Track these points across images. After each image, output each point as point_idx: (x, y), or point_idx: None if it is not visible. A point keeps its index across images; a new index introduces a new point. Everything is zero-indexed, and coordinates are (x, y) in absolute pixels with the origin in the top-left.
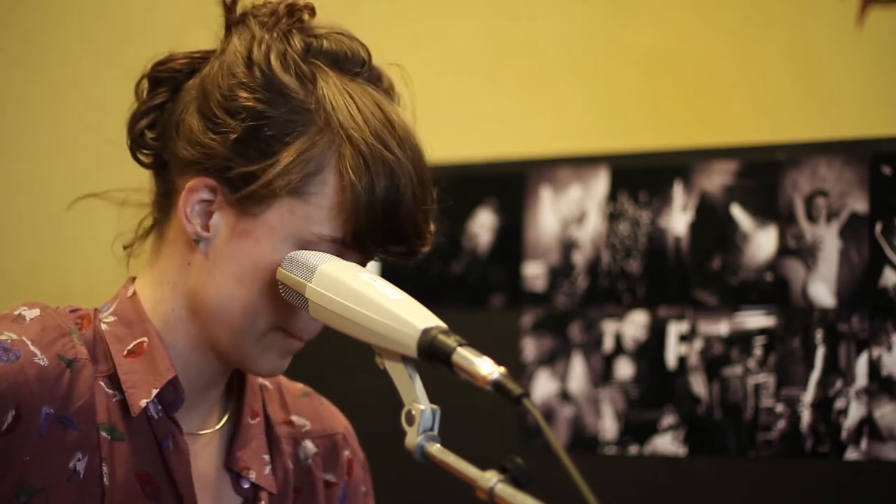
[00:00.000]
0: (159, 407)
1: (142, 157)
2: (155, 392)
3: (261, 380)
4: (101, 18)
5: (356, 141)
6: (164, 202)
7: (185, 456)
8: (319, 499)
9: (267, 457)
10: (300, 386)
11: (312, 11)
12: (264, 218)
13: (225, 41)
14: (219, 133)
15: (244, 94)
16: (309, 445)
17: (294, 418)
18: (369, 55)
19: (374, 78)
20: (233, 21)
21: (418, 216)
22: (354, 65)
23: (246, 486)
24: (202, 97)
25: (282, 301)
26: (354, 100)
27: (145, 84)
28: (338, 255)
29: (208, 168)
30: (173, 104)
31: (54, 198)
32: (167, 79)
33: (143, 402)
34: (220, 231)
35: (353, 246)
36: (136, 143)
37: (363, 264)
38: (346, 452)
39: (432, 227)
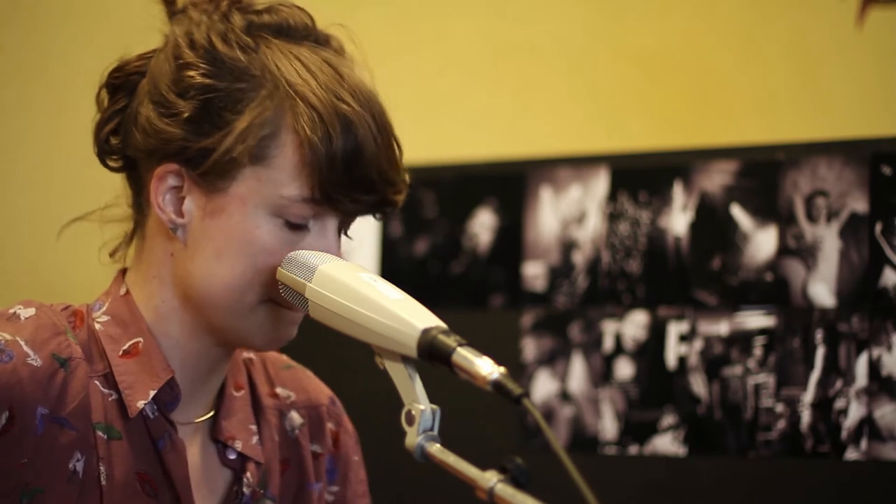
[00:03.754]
0: (155, 406)
1: (111, 163)
2: (153, 394)
3: (246, 353)
4: (101, 18)
5: (306, 96)
6: (139, 200)
7: (182, 455)
8: (308, 470)
9: (254, 427)
10: (284, 358)
11: None
12: (232, 191)
13: (168, 34)
14: (171, 115)
15: (189, 73)
16: (295, 416)
17: (279, 390)
18: (312, 21)
19: (322, 41)
20: (174, 13)
21: (383, 163)
22: (298, 31)
23: (232, 456)
24: (152, 86)
25: (267, 273)
26: (301, 59)
27: (105, 94)
28: (314, 216)
29: (169, 153)
30: (130, 104)
31: (54, 198)
32: (123, 83)
33: (141, 404)
34: (194, 214)
35: (324, 202)
36: (103, 150)
37: (345, 226)
38: (330, 425)
39: (404, 175)
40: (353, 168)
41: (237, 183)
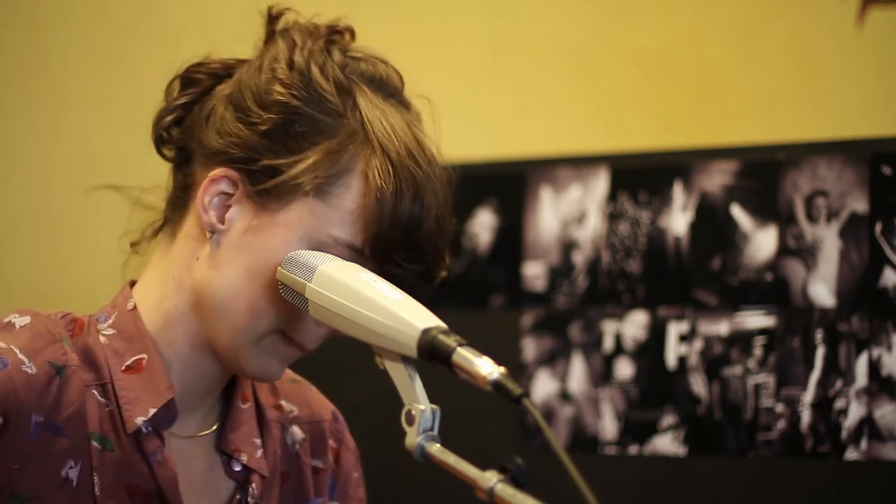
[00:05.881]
0: (149, 423)
1: (166, 152)
2: (153, 412)
3: None
4: (101, 18)
5: (387, 150)
6: (181, 197)
7: (173, 471)
8: (307, 484)
9: (258, 441)
10: (289, 372)
11: (352, 34)
12: (283, 215)
13: (265, 48)
14: (249, 124)
15: (279, 89)
16: (297, 431)
17: (283, 403)
18: (402, 83)
19: (406, 105)
20: (274, 31)
21: (438, 237)
22: (388, 88)
23: (237, 468)
24: (237, 90)
25: (287, 303)
26: (387, 114)
27: (176, 84)
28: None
29: (234, 159)
30: (206, 100)
31: (54, 198)
32: (200, 80)
33: (139, 420)
34: (236, 225)
35: (370, 256)
36: (161, 139)
37: None
38: (331, 442)
39: (448, 257)
40: (412, 233)
41: (289, 209)
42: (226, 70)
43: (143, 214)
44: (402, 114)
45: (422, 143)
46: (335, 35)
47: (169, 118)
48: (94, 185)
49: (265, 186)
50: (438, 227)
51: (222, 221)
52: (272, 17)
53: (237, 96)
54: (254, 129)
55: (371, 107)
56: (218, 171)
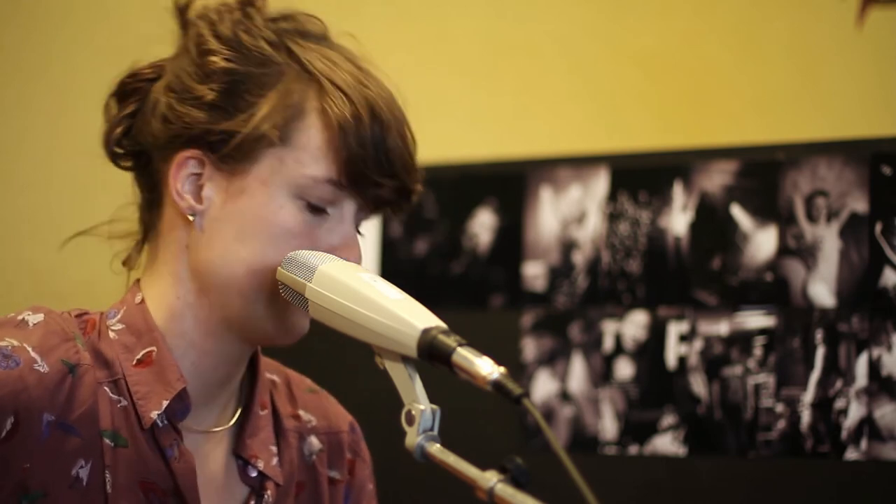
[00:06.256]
0: (164, 415)
1: (123, 163)
2: (166, 404)
3: (268, 374)
4: (101, 18)
5: (334, 81)
6: (152, 197)
7: (191, 464)
8: (323, 495)
9: (274, 448)
10: (308, 381)
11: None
12: (254, 173)
13: (185, 36)
14: (194, 99)
15: (213, 59)
16: (314, 441)
17: (301, 412)
18: (326, 28)
19: (336, 46)
20: (187, 20)
21: (404, 149)
22: (316, 35)
23: (253, 474)
24: (174, 78)
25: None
26: (324, 53)
27: (113, 102)
28: (333, 202)
29: (191, 138)
30: (145, 104)
31: (54, 198)
32: (137, 89)
33: (154, 414)
34: (214, 200)
35: (348, 184)
36: (115, 155)
37: (360, 219)
38: (348, 454)
39: (419, 170)
40: (379, 151)
41: (259, 165)
42: (157, 71)
43: (122, 244)
44: (337, 50)
45: (364, 69)
46: (249, 6)
47: (118, 131)
48: (65, 239)
49: (228, 150)
50: (402, 141)
51: (200, 201)
52: (181, 9)
53: (175, 82)
54: (201, 104)
55: (306, 50)
56: (181, 155)
